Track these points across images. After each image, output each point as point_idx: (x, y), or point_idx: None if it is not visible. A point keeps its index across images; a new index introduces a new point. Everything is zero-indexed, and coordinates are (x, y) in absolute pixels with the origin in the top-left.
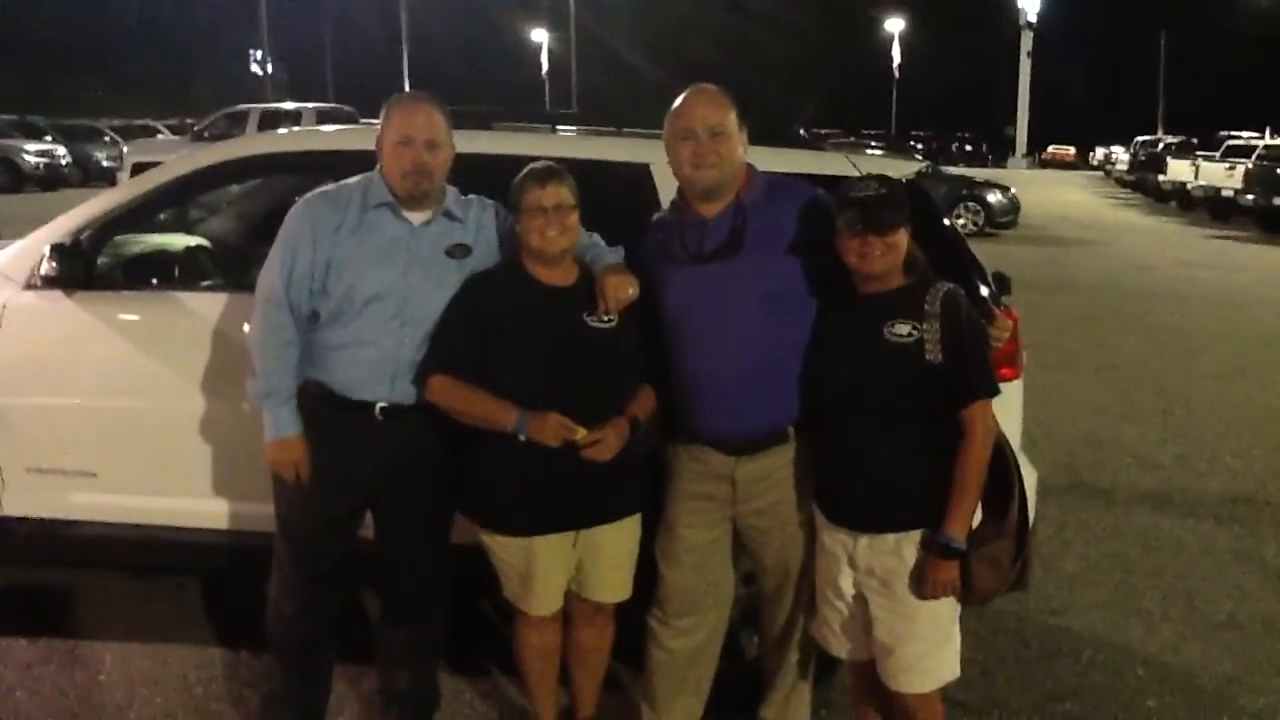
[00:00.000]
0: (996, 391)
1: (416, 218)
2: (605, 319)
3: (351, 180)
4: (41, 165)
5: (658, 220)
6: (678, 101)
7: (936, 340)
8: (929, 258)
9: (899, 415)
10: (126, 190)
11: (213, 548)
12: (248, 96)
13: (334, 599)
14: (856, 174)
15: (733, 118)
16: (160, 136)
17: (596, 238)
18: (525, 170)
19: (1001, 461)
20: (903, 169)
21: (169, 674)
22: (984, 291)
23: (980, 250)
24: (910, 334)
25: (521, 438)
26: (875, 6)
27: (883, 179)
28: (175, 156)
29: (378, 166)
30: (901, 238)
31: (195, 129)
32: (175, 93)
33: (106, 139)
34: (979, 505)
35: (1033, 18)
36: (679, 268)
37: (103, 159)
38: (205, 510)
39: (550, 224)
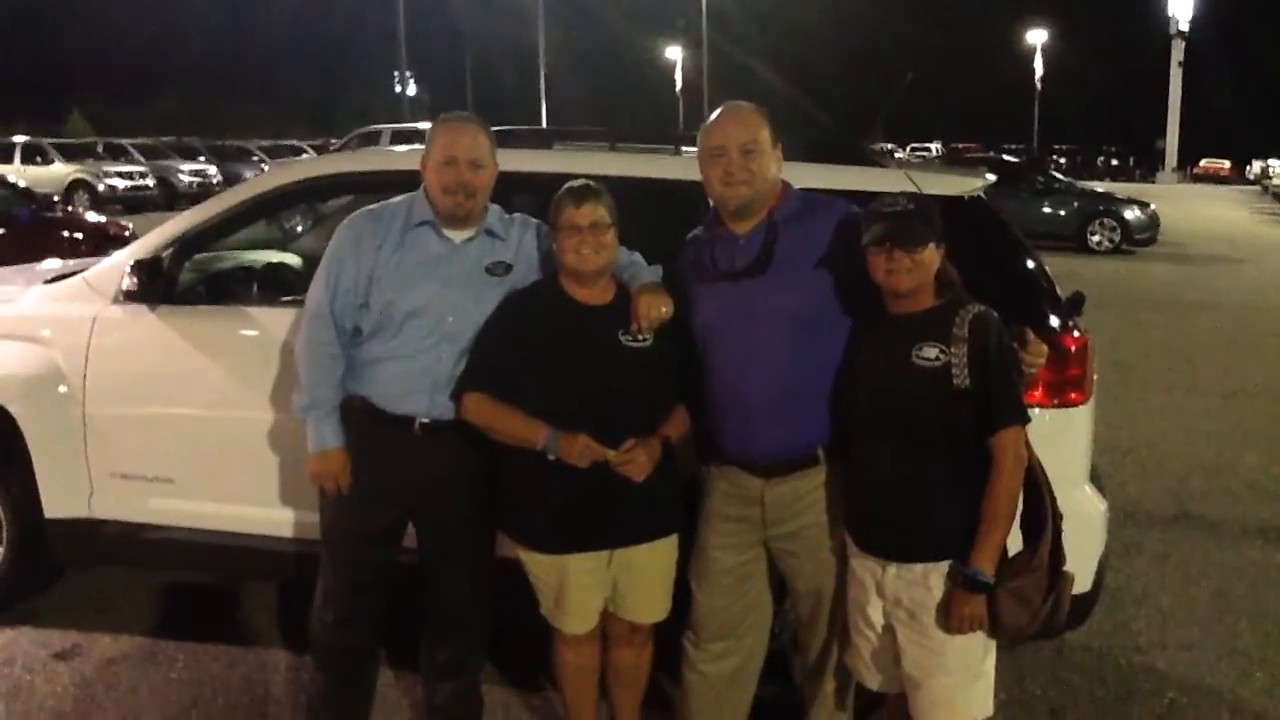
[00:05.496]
0: (1026, 419)
1: (458, 236)
2: (640, 338)
3: (397, 199)
4: (194, 184)
5: (692, 237)
6: (710, 119)
7: (964, 364)
8: (995, 278)
9: (926, 440)
10: (207, 208)
11: (281, 554)
12: (391, 117)
13: (375, 608)
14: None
15: (765, 135)
16: (305, 156)
17: (636, 256)
18: (563, 189)
19: (1036, 492)
20: (967, 185)
21: (234, 675)
22: (1050, 314)
23: (1113, 268)
24: (938, 357)
25: (551, 457)
26: (1017, 18)
27: (912, 195)
28: (254, 175)
29: (422, 185)
30: (930, 255)
31: (333, 148)
32: (324, 114)
33: (255, 159)
34: (1021, 535)
35: (1184, 26)
36: (710, 285)
37: (250, 177)
38: (275, 518)
39: (585, 242)
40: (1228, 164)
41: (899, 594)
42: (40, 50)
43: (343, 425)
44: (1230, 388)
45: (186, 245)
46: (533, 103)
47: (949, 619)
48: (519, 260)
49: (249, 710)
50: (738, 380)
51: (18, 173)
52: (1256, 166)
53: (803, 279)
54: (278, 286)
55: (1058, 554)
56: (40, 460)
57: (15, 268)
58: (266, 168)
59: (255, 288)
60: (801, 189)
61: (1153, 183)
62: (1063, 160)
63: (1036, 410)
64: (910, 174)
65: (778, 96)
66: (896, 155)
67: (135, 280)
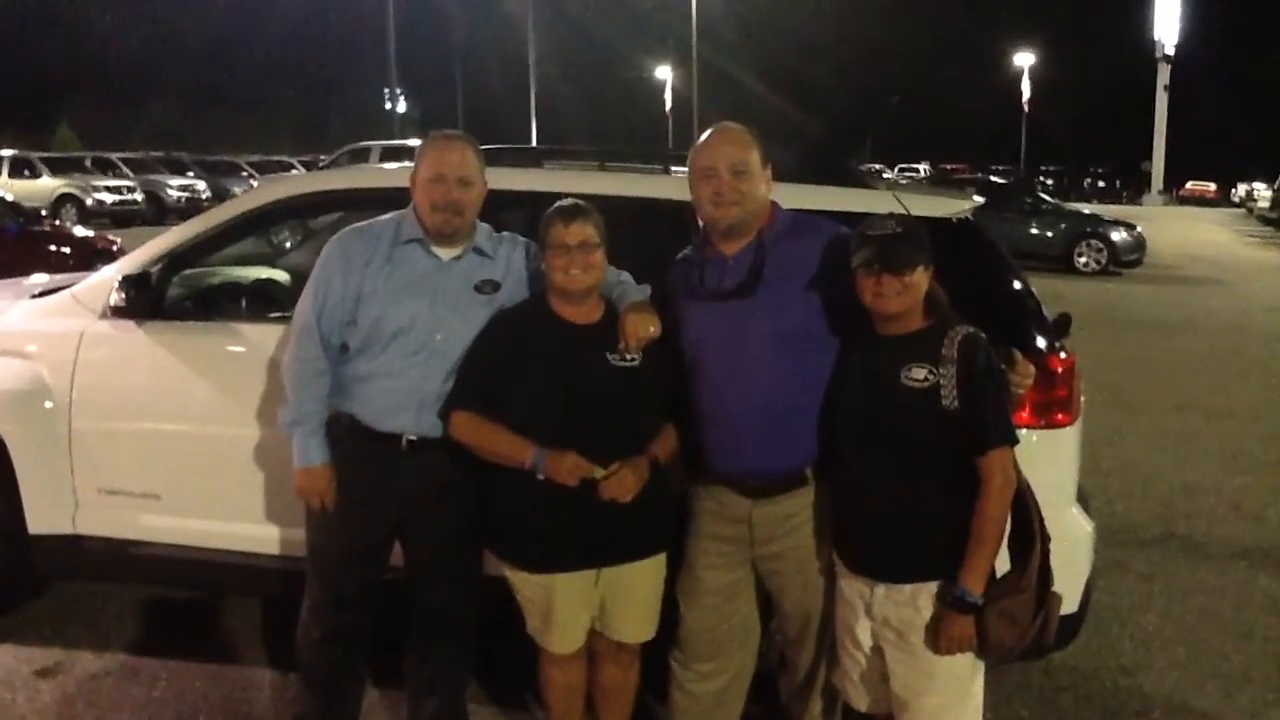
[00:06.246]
0: (1014, 440)
1: (446, 253)
2: (627, 357)
3: (386, 217)
4: (182, 199)
5: (681, 257)
6: (701, 140)
7: (953, 385)
8: (983, 299)
9: (915, 461)
10: (196, 224)
11: (267, 571)
12: (381, 133)
13: (362, 624)
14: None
15: (756, 156)
16: (294, 172)
17: (625, 276)
18: (552, 208)
19: (1024, 513)
20: (955, 207)
21: (218, 692)
22: (1038, 335)
23: (1099, 289)
24: (926, 378)
25: (539, 475)
26: (1006, 40)
27: (901, 217)
28: (243, 190)
29: (411, 203)
30: (919, 278)
31: (322, 164)
32: (314, 129)
33: (244, 174)
34: (1009, 555)
35: (1170, 50)
36: (698, 304)
37: (239, 193)
38: (261, 535)
39: (574, 261)
40: (1213, 186)
41: (887, 614)
42: (29, 61)
43: (329, 441)
44: (1216, 408)
45: (175, 261)
46: (523, 120)
47: (938, 639)
48: (507, 279)
49: None
50: (726, 400)
51: (5, 186)
52: (1241, 189)
53: (791, 300)
54: (266, 302)
55: (1046, 574)
56: (25, 475)
57: (2, 282)
58: (256, 183)
59: (243, 303)
60: (791, 210)
61: (1139, 204)
62: (1050, 181)
63: (1024, 431)
64: (899, 195)
65: (767, 112)
66: (885, 176)
67: (123, 295)
